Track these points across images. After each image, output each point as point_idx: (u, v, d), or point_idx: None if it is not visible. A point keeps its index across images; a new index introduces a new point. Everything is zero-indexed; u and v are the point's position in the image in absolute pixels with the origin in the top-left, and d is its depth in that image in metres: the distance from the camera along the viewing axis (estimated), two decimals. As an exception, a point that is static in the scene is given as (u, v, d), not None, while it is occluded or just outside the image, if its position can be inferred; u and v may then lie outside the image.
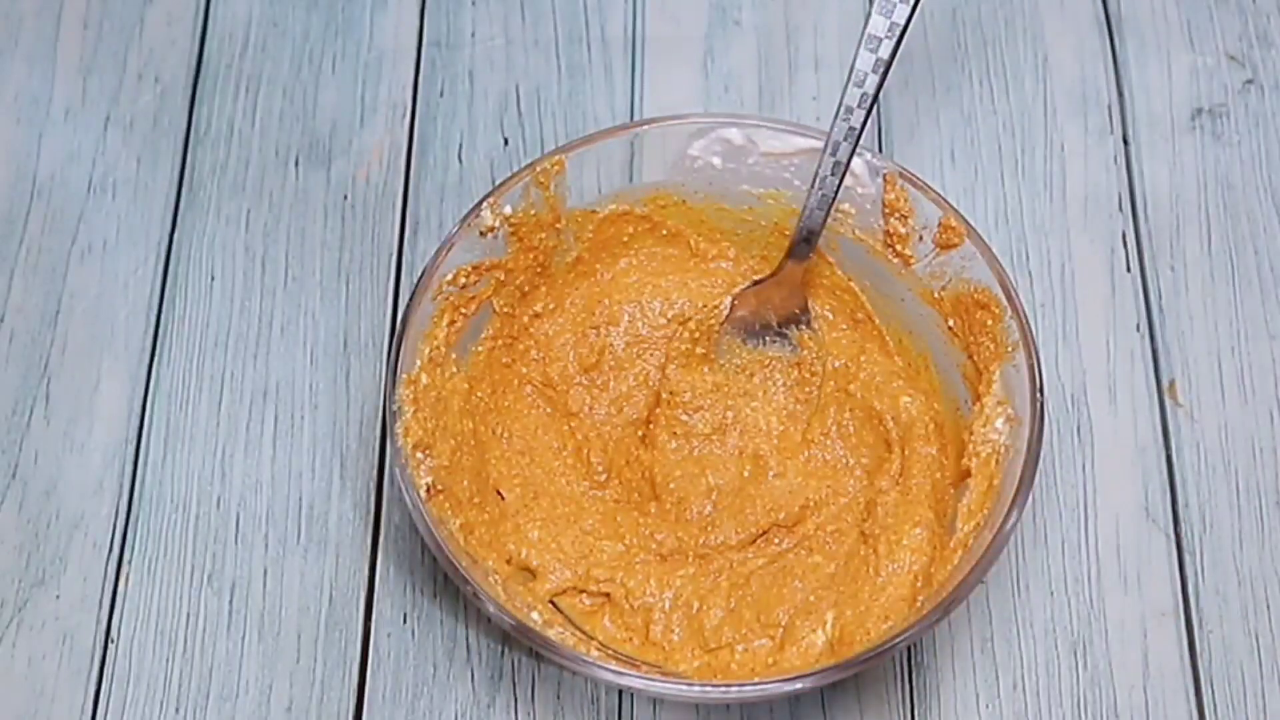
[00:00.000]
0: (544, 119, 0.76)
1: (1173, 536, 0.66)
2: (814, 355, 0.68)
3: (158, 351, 0.70)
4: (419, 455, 0.61)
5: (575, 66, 0.77)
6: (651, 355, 0.69)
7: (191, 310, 0.71)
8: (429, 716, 0.63)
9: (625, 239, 0.69)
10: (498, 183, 0.66)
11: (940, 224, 0.65)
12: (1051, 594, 0.65)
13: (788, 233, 0.68)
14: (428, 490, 0.61)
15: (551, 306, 0.69)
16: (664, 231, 0.69)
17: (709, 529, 0.64)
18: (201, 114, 0.76)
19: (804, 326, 0.68)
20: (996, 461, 0.62)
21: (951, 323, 0.65)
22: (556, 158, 0.66)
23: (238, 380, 0.70)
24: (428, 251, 0.71)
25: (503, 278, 0.66)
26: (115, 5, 0.79)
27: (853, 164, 0.65)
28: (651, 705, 0.63)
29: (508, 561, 0.64)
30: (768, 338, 0.68)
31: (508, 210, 0.65)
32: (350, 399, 0.69)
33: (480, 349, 0.67)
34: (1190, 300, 0.71)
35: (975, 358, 0.64)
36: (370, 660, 0.64)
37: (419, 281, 0.64)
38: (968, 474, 0.63)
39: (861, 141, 0.64)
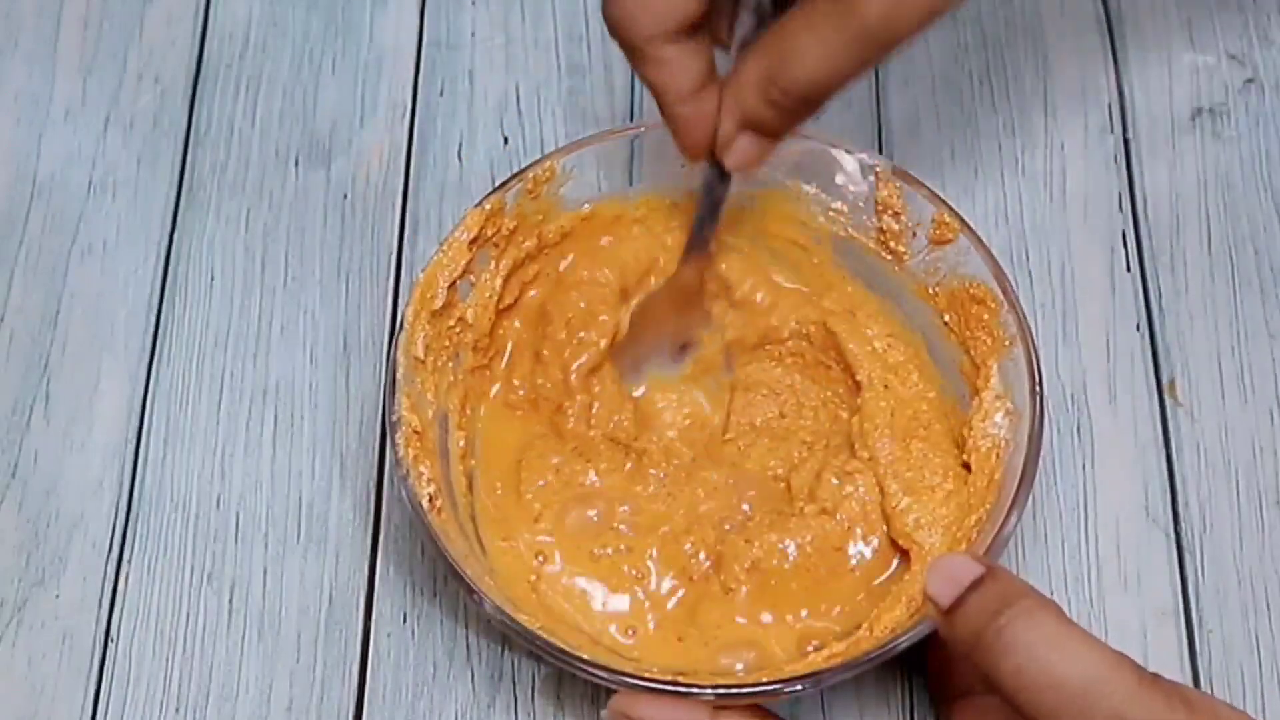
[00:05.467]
0: (544, 119, 0.76)
1: (1173, 536, 0.66)
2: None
3: (158, 351, 0.70)
4: (420, 469, 0.61)
5: (575, 66, 0.78)
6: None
7: (191, 310, 0.71)
8: (429, 716, 0.63)
9: (621, 241, 0.69)
10: (497, 183, 0.66)
11: (934, 220, 0.65)
12: (1051, 594, 0.65)
13: (784, 234, 0.68)
14: (430, 500, 0.61)
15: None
16: (658, 236, 0.69)
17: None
18: (201, 114, 0.76)
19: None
20: (997, 456, 0.62)
21: (947, 318, 0.65)
22: (552, 160, 0.66)
23: (238, 380, 0.70)
24: (428, 251, 0.71)
25: (501, 279, 0.67)
26: (115, 5, 0.79)
27: (845, 162, 0.65)
28: (651, 705, 0.63)
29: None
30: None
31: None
32: (350, 399, 0.69)
33: (479, 350, 0.67)
34: (1190, 300, 0.71)
35: (972, 353, 0.64)
36: (370, 660, 0.64)
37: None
38: (967, 468, 0.63)
39: (856, 139, 0.64)
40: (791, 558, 0.63)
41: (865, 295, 0.68)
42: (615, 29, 0.60)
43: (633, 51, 0.60)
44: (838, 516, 0.64)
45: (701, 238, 0.65)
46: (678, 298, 0.67)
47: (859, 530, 0.64)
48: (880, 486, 0.64)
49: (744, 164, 0.61)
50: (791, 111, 0.58)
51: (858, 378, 0.66)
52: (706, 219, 0.64)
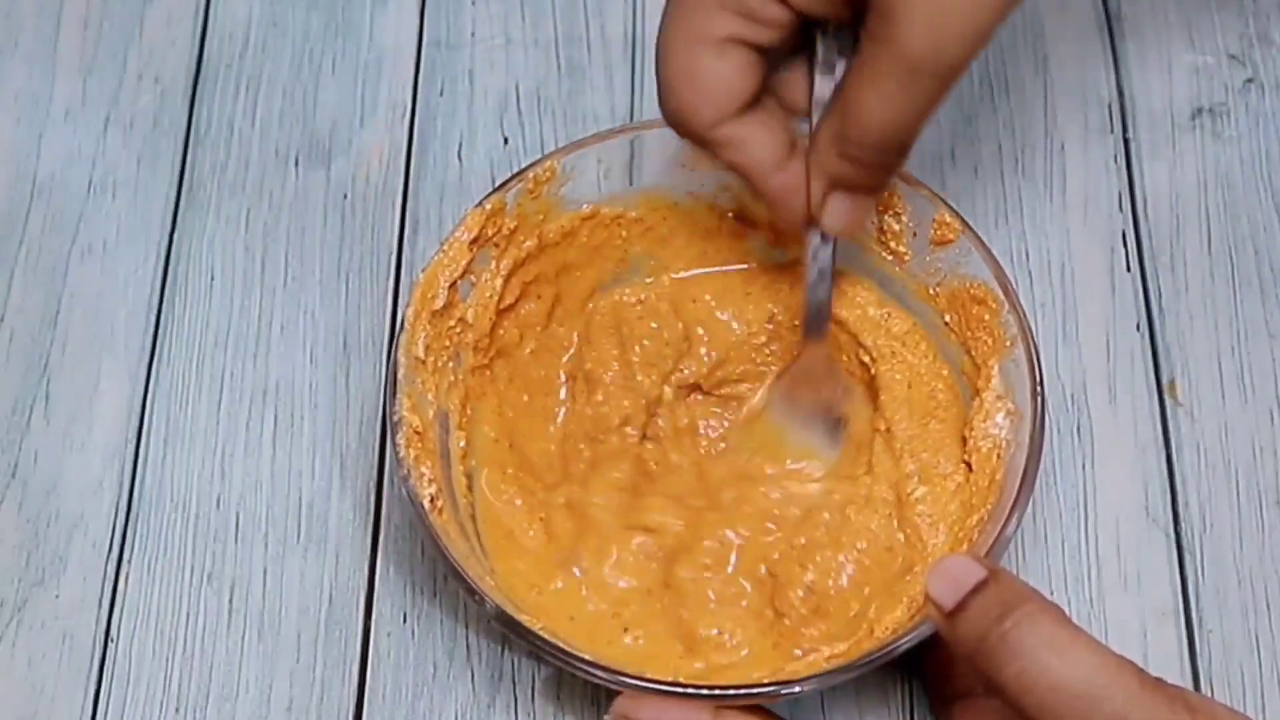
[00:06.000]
0: (544, 119, 0.76)
1: (1173, 536, 0.66)
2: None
3: (158, 351, 0.70)
4: (421, 469, 0.61)
5: (575, 66, 0.77)
6: (643, 369, 0.68)
7: (191, 310, 0.71)
8: (429, 716, 0.63)
9: (619, 242, 0.69)
10: (497, 183, 0.66)
11: (934, 220, 0.65)
12: (1051, 594, 0.65)
13: (781, 231, 0.68)
14: (430, 500, 0.61)
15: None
16: (658, 235, 0.69)
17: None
18: (201, 114, 0.76)
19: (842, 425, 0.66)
20: (998, 456, 0.62)
21: (948, 318, 0.65)
22: (553, 160, 0.66)
23: (238, 380, 0.70)
24: (428, 251, 0.71)
25: (500, 279, 0.67)
26: (115, 5, 0.79)
27: None
28: (651, 705, 0.63)
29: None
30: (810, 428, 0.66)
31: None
32: (350, 399, 0.69)
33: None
34: (1190, 300, 0.71)
35: (973, 353, 0.64)
36: (370, 660, 0.64)
37: (418, 281, 0.64)
38: (969, 468, 0.63)
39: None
40: (848, 570, 0.63)
41: (846, 269, 0.67)
42: (678, 125, 0.59)
43: (704, 142, 0.59)
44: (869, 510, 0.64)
45: (818, 312, 0.63)
46: (808, 379, 0.65)
47: (890, 513, 0.64)
48: (896, 463, 0.64)
49: (843, 226, 0.60)
50: (873, 165, 0.57)
51: (863, 342, 0.66)
52: (818, 290, 0.62)
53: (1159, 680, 0.51)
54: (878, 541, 0.63)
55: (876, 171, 0.58)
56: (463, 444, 0.65)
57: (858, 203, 0.59)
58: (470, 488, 0.65)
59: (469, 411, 0.65)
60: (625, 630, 0.62)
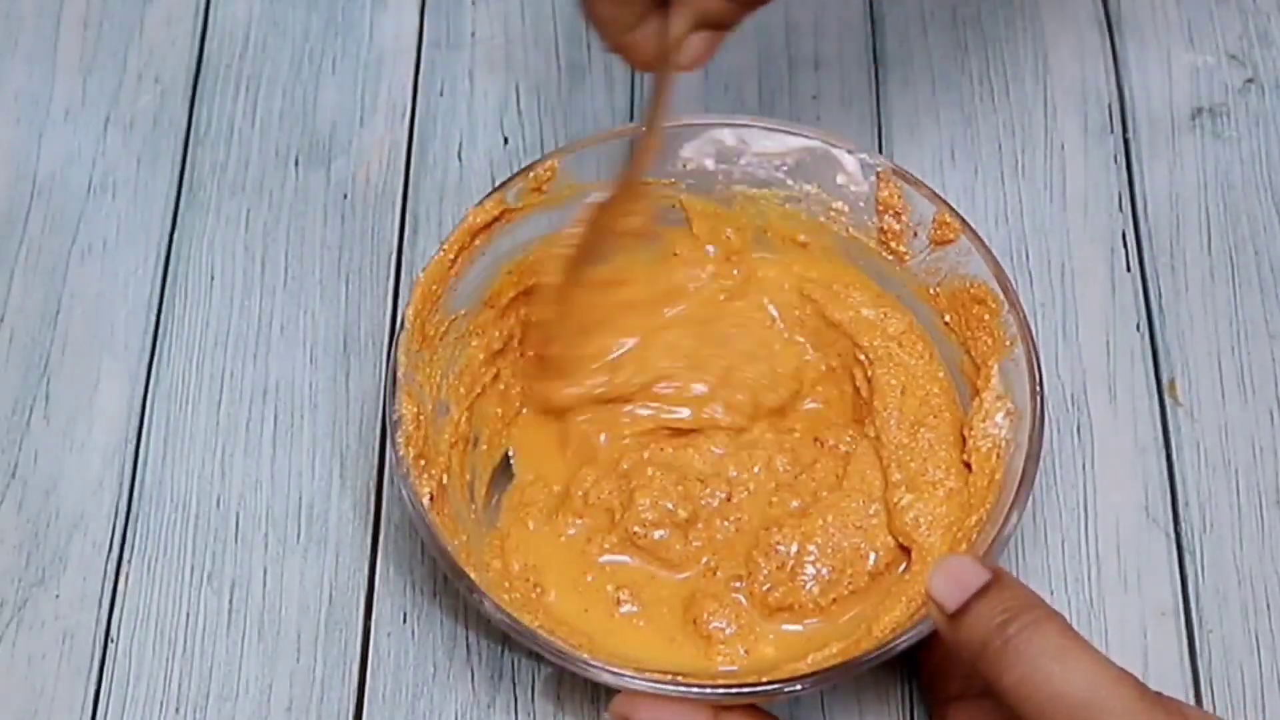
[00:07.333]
0: (544, 119, 0.76)
1: (1173, 536, 0.66)
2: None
3: (158, 351, 0.70)
4: (421, 462, 0.61)
5: (575, 66, 0.77)
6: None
7: (191, 310, 0.71)
8: (429, 716, 0.63)
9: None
10: (497, 183, 0.66)
11: (935, 220, 0.65)
12: (1051, 594, 0.65)
13: (783, 232, 0.68)
14: (430, 499, 0.61)
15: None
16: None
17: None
18: (201, 114, 0.76)
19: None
20: (998, 456, 0.62)
21: (948, 318, 0.65)
22: (553, 160, 0.66)
23: (238, 380, 0.70)
24: (428, 251, 0.71)
25: (500, 278, 0.66)
26: (115, 5, 0.79)
27: (845, 162, 0.65)
28: (651, 705, 0.63)
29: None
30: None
31: (507, 211, 0.66)
32: (350, 399, 0.69)
33: (478, 354, 0.67)
34: (1190, 300, 0.71)
35: (973, 353, 0.64)
36: (370, 660, 0.64)
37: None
38: (968, 467, 0.63)
39: (856, 139, 0.64)
40: (814, 555, 0.63)
41: (842, 267, 0.68)
42: None
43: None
44: (850, 493, 0.64)
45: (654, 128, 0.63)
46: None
47: (871, 508, 0.64)
48: (883, 472, 0.64)
49: (699, 62, 0.59)
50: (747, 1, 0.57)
51: (859, 343, 0.66)
52: (658, 112, 0.62)
53: (1159, 694, 0.51)
54: (847, 520, 0.64)
55: (748, 5, 0.58)
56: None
57: (716, 39, 0.59)
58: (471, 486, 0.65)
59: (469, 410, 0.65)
60: (619, 603, 0.63)
